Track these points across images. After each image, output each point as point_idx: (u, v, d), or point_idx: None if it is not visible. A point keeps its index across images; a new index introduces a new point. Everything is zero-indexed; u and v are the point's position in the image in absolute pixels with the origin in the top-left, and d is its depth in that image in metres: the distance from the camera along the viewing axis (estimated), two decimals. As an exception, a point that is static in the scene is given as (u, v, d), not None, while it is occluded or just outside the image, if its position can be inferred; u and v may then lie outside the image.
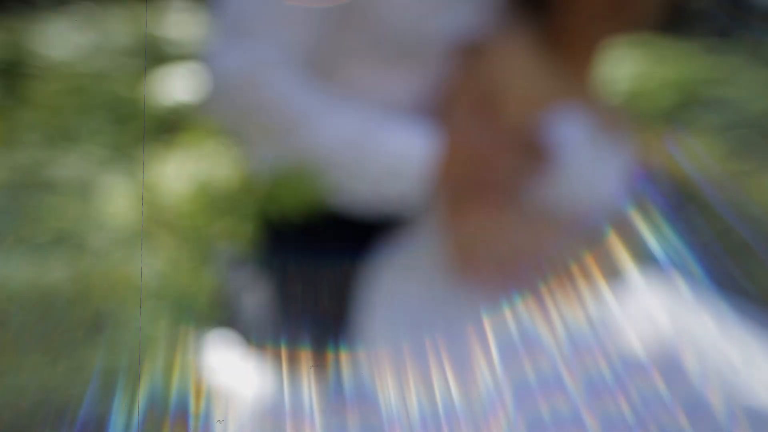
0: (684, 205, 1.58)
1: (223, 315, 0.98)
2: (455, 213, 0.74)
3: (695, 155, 1.71)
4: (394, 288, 0.84)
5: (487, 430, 0.70)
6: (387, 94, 0.75)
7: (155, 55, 2.74)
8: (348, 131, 0.67)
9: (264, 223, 0.72)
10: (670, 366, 0.76)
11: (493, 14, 0.82)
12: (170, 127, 2.23)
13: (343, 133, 0.67)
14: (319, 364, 0.83)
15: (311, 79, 0.68)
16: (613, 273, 0.81)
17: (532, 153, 0.71)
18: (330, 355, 0.85)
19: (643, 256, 0.87)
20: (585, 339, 0.81)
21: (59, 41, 2.88)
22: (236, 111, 0.66)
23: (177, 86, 2.14)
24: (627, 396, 0.73)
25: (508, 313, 0.79)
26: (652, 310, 0.86)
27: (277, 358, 0.84)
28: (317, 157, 0.68)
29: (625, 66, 2.18)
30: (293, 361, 0.83)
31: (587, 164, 0.76)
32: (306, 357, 0.82)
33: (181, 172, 1.58)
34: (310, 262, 0.84)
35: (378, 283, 0.86)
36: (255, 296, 0.99)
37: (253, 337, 0.92)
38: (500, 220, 0.72)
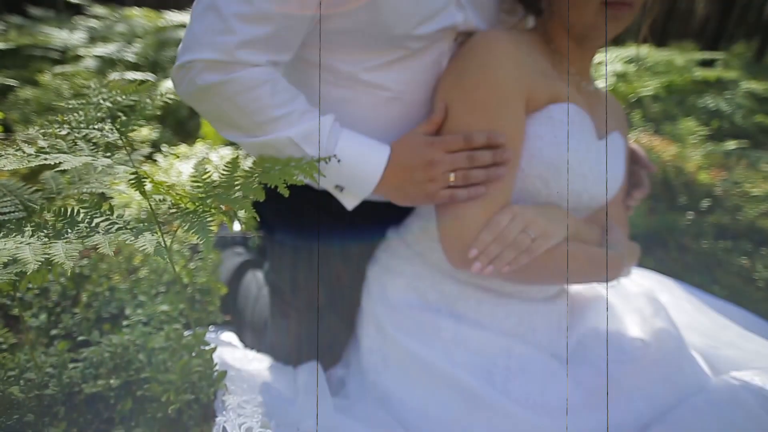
0: (672, 194, 1.59)
1: (231, 298, 0.99)
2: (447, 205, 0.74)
3: (682, 152, 1.72)
4: (395, 269, 0.85)
5: (476, 390, 0.71)
6: (390, 87, 0.76)
7: (173, 52, 2.76)
8: (307, 128, 0.69)
9: (266, 206, 0.72)
10: (660, 350, 0.76)
11: (493, 17, 0.82)
12: (185, 122, 2.25)
13: (301, 129, 0.68)
14: (324, 344, 0.84)
15: (281, 80, 0.69)
16: (606, 257, 0.81)
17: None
18: (334, 334, 0.85)
19: (635, 242, 0.87)
20: (580, 323, 0.81)
21: (74, 33, 2.90)
22: (210, 83, 0.66)
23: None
24: (619, 375, 0.73)
25: (504, 298, 0.79)
26: (642, 295, 0.86)
27: (284, 338, 0.85)
28: (272, 144, 0.69)
29: (620, 67, 2.19)
30: (299, 342, 0.84)
31: (587, 158, 0.76)
32: (310, 338, 0.83)
33: (188, 160, 1.60)
34: (313, 240, 0.85)
35: (379, 266, 0.87)
36: (259, 276, 1.00)
37: (259, 321, 0.93)
38: (490, 211, 0.72)
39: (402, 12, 0.69)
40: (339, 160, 0.70)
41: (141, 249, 0.53)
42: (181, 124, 2.32)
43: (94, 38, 3.01)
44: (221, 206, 0.62)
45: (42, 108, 2.17)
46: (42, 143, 0.62)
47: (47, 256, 0.47)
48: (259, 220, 0.67)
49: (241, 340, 0.95)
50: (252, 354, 0.87)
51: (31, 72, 2.60)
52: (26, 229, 0.55)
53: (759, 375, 0.74)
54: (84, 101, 0.66)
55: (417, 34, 0.71)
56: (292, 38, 0.69)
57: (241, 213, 0.62)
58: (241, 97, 0.66)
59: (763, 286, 1.32)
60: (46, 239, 0.51)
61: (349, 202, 0.75)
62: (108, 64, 2.69)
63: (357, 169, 0.71)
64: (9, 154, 0.56)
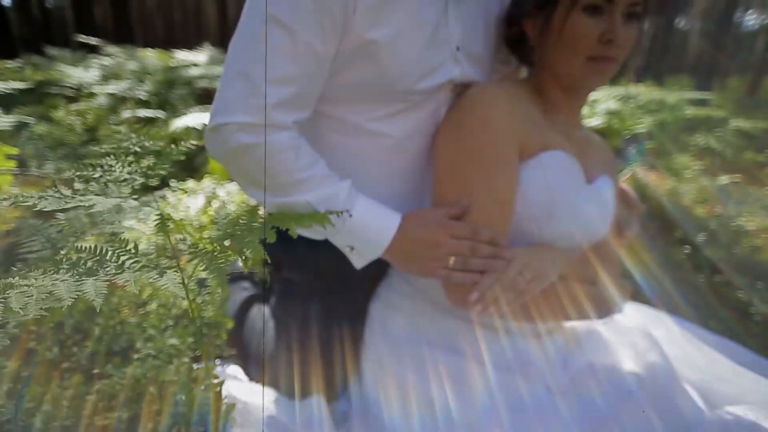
0: (668, 229, 1.63)
1: (237, 332, 1.02)
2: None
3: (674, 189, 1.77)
4: (396, 306, 0.88)
5: (476, 425, 0.72)
6: (392, 135, 0.81)
7: (183, 90, 2.88)
8: (325, 193, 0.74)
9: (273, 243, 0.77)
10: (654, 385, 0.78)
11: (488, 68, 0.88)
12: (192, 157, 2.33)
13: (319, 194, 0.74)
14: (328, 378, 0.86)
15: (305, 146, 0.75)
16: (599, 297, 0.84)
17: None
18: (337, 369, 0.88)
19: (627, 278, 0.90)
20: (574, 358, 0.83)
21: (88, 72, 3.02)
22: (238, 145, 0.71)
23: (196, 118, 2.24)
24: (612, 410, 0.75)
25: (501, 334, 0.82)
26: (636, 330, 0.88)
27: (288, 372, 0.87)
28: (291, 205, 0.74)
29: (613, 105, 2.28)
30: (303, 376, 0.86)
31: (577, 201, 0.81)
32: (315, 372, 0.85)
33: (195, 195, 1.65)
34: (320, 280, 0.88)
35: (381, 302, 0.90)
36: (267, 312, 1.02)
37: (266, 352, 0.95)
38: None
39: (403, 69, 0.75)
40: (351, 215, 0.75)
41: (163, 287, 0.57)
42: (188, 160, 2.39)
43: (107, 76, 3.13)
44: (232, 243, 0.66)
45: (56, 144, 2.25)
46: (78, 185, 0.67)
47: (79, 293, 0.51)
48: (266, 256, 0.71)
49: (247, 373, 0.97)
50: (258, 387, 0.88)
51: (46, 108, 2.70)
52: (58, 266, 0.59)
53: (752, 410, 0.75)
54: (116, 146, 0.71)
55: (417, 88, 0.77)
56: (313, 95, 0.75)
57: (248, 253, 0.65)
58: (267, 160, 0.71)
59: (759, 321, 1.34)
60: (78, 277, 0.55)
61: (358, 262, 0.80)
62: (119, 101, 2.79)
63: (368, 234, 0.77)
64: (49, 195, 0.61)
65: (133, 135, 0.70)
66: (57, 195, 0.59)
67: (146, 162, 0.67)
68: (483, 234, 0.75)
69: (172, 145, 0.69)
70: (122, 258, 0.62)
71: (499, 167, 0.76)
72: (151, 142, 0.69)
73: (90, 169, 0.64)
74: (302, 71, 0.70)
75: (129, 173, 0.65)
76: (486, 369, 0.79)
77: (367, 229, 0.76)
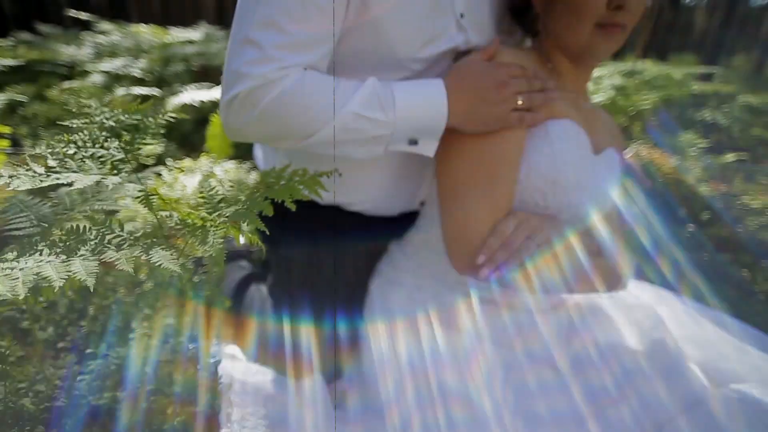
0: (672, 207, 1.61)
1: (235, 311, 1.01)
2: (452, 205, 0.75)
3: (678, 164, 1.74)
4: (397, 281, 0.86)
5: (476, 402, 0.71)
6: None
7: (179, 67, 2.82)
8: (361, 96, 0.70)
9: (270, 221, 0.74)
10: (659, 363, 0.77)
11: (492, 38, 0.84)
12: (185, 132, 2.29)
13: (357, 100, 0.70)
14: (327, 357, 0.85)
15: (314, 72, 0.70)
16: (604, 270, 0.82)
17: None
18: (336, 347, 0.86)
19: (633, 251, 0.88)
20: (578, 335, 0.82)
21: (82, 49, 2.96)
22: (262, 108, 0.68)
23: (193, 96, 2.20)
24: (611, 374, 0.74)
25: (503, 309, 0.80)
26: (641, 308, 0.87)
27: (287, 351, 0.86)
28: (341, 128, 0.70)
29: (619, 81, 2.23)
30: (302, 355, 0.85)
31: (584, 172, 0.78)
32: (313, 351, 0.84)
33: (192, 174, 1.62)
34: (316, 253, 0.86)
35: (382, 278, 0.89)
36: (262, 290, 1.01)
37: (260, 329, 0.94)
38: (495, 216, 0.73)
39: (405, 36, 0.72)
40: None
41: (156, 264, 0.55)
42: (185, 138, 2.36)
43: (101, 54, 3.07)
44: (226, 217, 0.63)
45: (50, 122, 2.21)
46: (51, 162, 0.64)
47: (69, 273, 0.48)
48: (263, 233, 0.69)
49: (244, 353, 0.96)
50: (255, 367, 0.88)
51: (40, 87, 2.65)
52: (41, 246, 0.56)
53: (757, 388, 0.74)
54: (87, 121, 0.68)
55: (420, 56, 0.74)
56: (324, 59, 0.71)
57: (245, 226, 0.63)
58: (290, 103, 0.68)
59: (763, 299, 1.32)
60: (64, 256, 0.52)
61: (429, 149, 0.75)
62: (114, 79, 2.74)
63: (422, 111, 0.72)
64: (21, 174, 0.58)
65: (105, 109, 0.66)
66: (30, 173, 0.56)
67: (125, 137, 0.64)
68: (529, 69, 0.74)
69: (150, 119, 0.65)
70: (108, 237, 0.60)
71: (507, 131, 0.73)
72: (126, 116, 0.65)
73: (62, 145, 0.61)
74: (315, 36, 0.67)
75: (106, 149, 0.62)
76: (487, 345, 0.78)
77: (419, 106, 0.71)
